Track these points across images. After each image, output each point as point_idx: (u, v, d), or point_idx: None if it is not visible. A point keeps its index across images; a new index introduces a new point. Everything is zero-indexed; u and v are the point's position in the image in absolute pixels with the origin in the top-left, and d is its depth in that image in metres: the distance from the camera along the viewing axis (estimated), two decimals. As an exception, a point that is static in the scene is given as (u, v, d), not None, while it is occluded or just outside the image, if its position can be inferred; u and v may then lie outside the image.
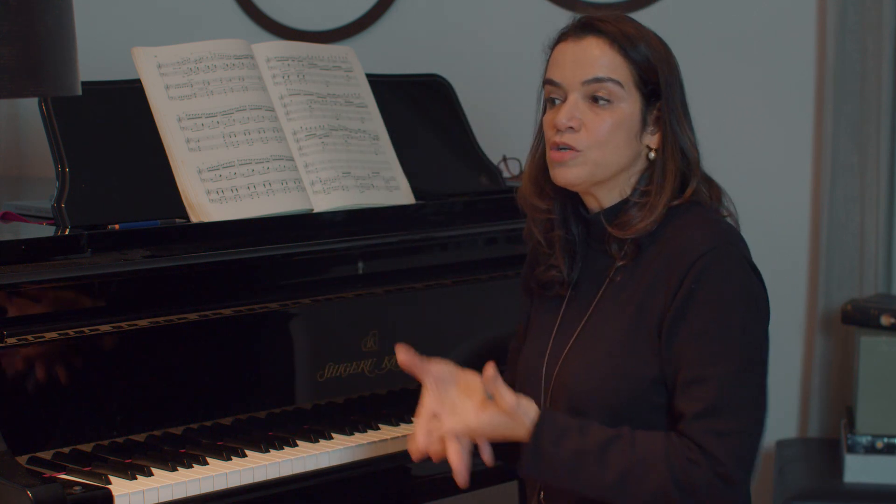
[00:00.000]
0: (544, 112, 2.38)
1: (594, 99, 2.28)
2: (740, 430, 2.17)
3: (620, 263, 2.31)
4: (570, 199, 2.38)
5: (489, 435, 2.23)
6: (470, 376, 2.27)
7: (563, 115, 2.28)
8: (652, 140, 2.32)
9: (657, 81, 2.31)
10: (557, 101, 2.31)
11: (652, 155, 2.32)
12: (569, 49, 2.31)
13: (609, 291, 2.31)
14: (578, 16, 2.36)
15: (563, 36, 2.34)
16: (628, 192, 2.32)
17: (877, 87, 3.67)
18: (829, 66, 3.71)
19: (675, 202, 2.30)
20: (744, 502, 2.26)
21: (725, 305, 2.20)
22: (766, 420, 2.23)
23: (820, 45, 3.80)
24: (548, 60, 2.36)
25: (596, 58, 2.28)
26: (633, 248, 2.30)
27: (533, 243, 2.43)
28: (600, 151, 2.28)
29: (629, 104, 2.29)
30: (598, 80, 2.28)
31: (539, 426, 2.20)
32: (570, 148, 2.28)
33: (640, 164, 2.33)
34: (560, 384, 2.31)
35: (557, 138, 2.29)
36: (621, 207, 2.32)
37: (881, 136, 3.68)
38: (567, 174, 2.29)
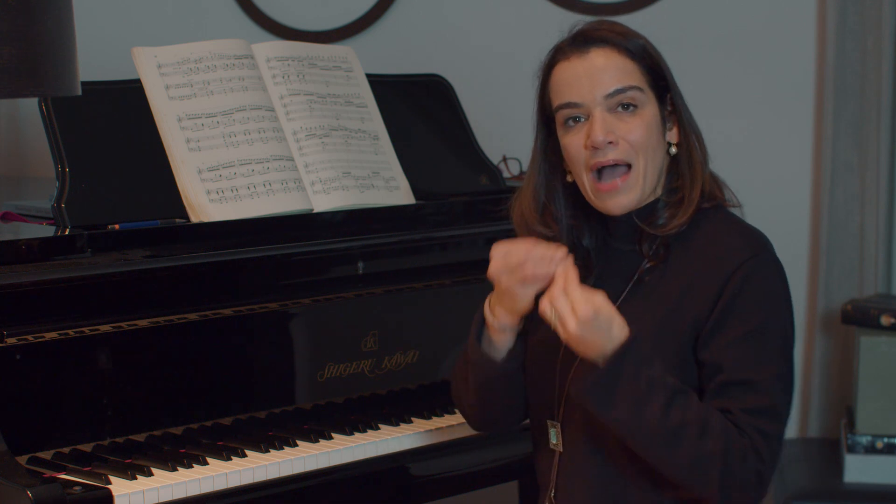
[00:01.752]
0: (545, 136, 2.35)
1: (618, 108, 2.26)
2: (779, 434, 2.21)
3: (650, 264, 2.29)
4: (584, 215, 2.35)
5: (593, 319, 2.11)
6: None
7: (598, 132, 2.24)
8: (671, 135, 2.32)
9: (664, 76, 2.31)
10: (579, 121, 2.28)
11: (673, 150, 2.32)
12: (578, 66, 2.28)
13: (637, 292, 2.29)
14: (567, 34, 2.33)
15: (562, 54, 2.30)
16: (659, 191, 2.32)
17: (877, 87, 3.67)
18: (829, 66, 3.71)
19: (705, 205, 2.29)
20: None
21: (770, 311, 2.22)
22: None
23: (820, 45, 3.80)
24: (546, 84, 2.32)
25: (610, 68, 2.26)
26: (663, 249, 2.29)
27: None
28: (644, 159, 2.26)
29: (651, 106, 2.28)
30: (620, 91, 2.26)
31: (631, 342, 2.14)
32: (619, 164, 2.25)
33: (666, 163, 2.32)
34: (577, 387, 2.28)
35: (600, 157, 2.25)
36: (653, 207, 2.31)
37: (881, 136, 3.68)
38: (622, 201, 2.27)
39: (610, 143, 2.24)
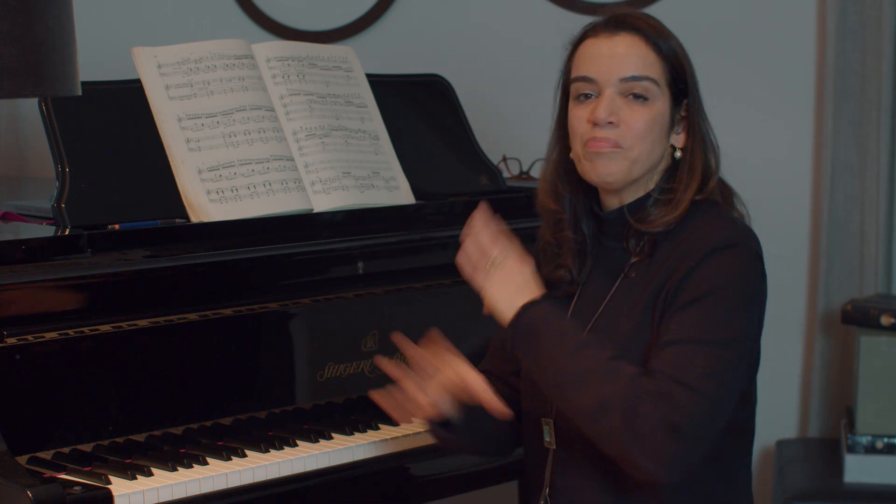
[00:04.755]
0: (563, 110, 2.37)
1: (629, 96, 2.28)
2: (711, 395, 2.13)
3: (636, 259, 2.31)
4: (584, 198, 2.38)
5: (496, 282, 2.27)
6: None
7: (602, 110, 2.27)
8: (677, 139, 2.33)
9: (685, 80, 2.32)
10: (590, 97, 2.30)
11: (678, 154, 2.33)
12: (602, 45, 2.30)
13: (623, 287, 2.31)
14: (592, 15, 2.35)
15: (593, 31, 2.33)
16: (651, 187, 2.33)
17: (877, 87, 3.67)
18: (829, 66, 3.71)
19: (697, 197, 2.30)
20: (745, 502, 2.26)
21: (721, 287, 2.19)
22: (726, 411, 2.18)
23: (820, 45, 3.80)
24: (572, 56, 2.35)
25: (632, 55, 2.29)
26: (649, 245, 2.30)
27: (541, 243, 2.42)
28: (639, 148, 2.27)
29: (662, 102, 2.30)
30: (635, 78, 2.28)
31: (542, 300, 2.24)
32: (615, 147, 2.27)
33: (664, 163, 2.33)
34: None
35: (597, 132, 2.28)
36: (643, 202, 2.32)
37: (881, 136, 3.68)
38: (607, 166, 2.28)
39: (611, 122, 2.27)
